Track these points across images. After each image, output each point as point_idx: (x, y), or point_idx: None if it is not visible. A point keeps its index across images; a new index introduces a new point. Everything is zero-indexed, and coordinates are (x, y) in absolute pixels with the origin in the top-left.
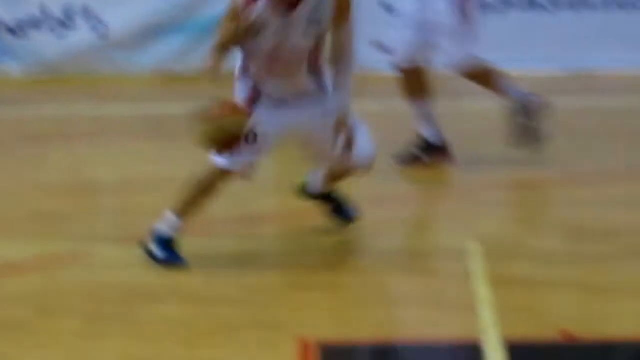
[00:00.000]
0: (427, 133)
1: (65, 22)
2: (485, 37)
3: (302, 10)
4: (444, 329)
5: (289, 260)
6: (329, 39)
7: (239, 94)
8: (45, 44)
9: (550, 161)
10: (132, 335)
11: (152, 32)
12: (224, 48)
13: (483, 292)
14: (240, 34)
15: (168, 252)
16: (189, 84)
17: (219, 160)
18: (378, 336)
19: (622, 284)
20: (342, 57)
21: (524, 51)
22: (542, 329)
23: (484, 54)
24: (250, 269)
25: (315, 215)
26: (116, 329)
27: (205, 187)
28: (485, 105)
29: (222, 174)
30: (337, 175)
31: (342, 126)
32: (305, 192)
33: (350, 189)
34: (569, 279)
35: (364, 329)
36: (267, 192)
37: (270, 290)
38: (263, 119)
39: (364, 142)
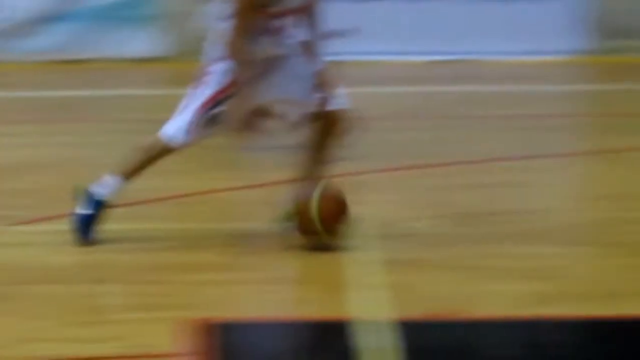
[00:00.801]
0: None
1: None
2: (360, 26)
3: None
4: (321, 307)
5: (183, 243)
6: None
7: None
8: None
9: (432, 147)
10: (17, 314)
11: (41, 19)
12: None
13: (368, 273)
14: None
15: (91, 218)
16: (78, 69)
17: (173, 135)
18: (264, 314)
19: (494, 265)
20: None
21: (401, 41)
22: (423, 308)
23: (355, 43)
24: (144, 250)
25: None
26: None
27: (152, 157)
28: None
29: (171, 148)
30: (323, 135)
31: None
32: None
33: None
34: (447, 260)
35: (248, 308)
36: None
37: (159, 270)
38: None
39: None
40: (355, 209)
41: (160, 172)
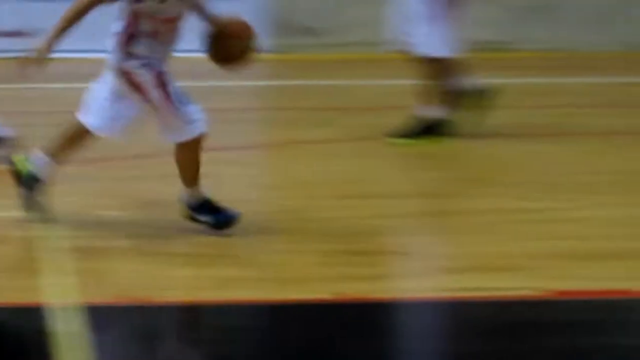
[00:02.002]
0: None
1: None
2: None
3: None
4: (12, 292)
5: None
6: None
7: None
8: None
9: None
10: None
11: None
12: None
13: (58, 259)
14: None
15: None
16: None
17: (91, 122)
18: None
19: (179, 252)
20: None
21: None
22: (111, 293)
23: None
24: None
25: None
26: None
27: (75, 141)
28: None
29: (92, 134)
30: None
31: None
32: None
33: None
34: (133, 247)
35: None
36: None
37: None
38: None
39: None
40: (47, 199)
41: None
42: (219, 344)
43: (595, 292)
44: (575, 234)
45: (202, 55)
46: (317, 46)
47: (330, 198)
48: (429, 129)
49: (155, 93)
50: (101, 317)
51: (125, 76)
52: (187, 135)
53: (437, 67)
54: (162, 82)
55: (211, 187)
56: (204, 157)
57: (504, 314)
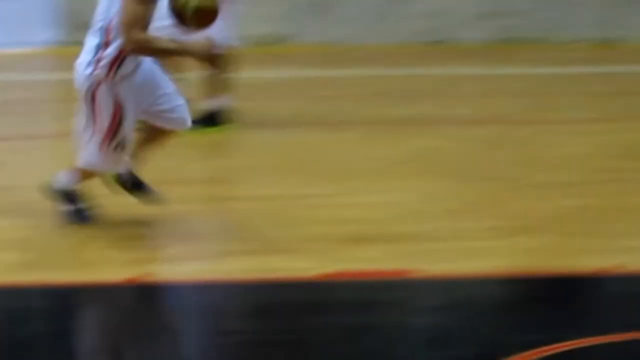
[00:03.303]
0: None
1: None
2: None
3: None
4: None
5: None
6: None
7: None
8: None
9: None
10: None
11: None
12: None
13: None
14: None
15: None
16: None
17: (91, 163)
18: None
19: None
20: None
21: None
22: None
23: None
24: None
25: None
26: None
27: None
28: None
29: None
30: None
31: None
32: (119, 181)
33: None
34: None
35: None
36: None
37: None
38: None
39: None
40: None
41: None
42: (12, 325)
43: (369, 273)
44: (354, 218)
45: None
46: None
47: None
48: (214, 118)
49: (105, 120)
50: None
51: (93, 89)
52: (88, 165)
53: (217, 59)
54: (119, 116)
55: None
56: None
57: (284, 295)
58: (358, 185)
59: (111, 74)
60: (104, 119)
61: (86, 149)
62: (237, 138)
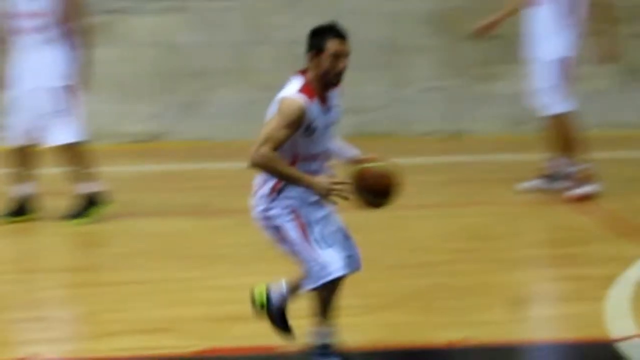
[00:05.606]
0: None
1: None
2: None
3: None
4: None
5: None
6: None
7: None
8: None
9: None
10: None
11: None
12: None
13: None
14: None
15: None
16: None
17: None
18: None
19: None
20: None
21: None
22: None
23: None
24: None
25: None
26: None
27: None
28: None
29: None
30: None
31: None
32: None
33: None
34: None
35: None
36: None
37: None
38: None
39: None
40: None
41: None
42: None
43: (242, 349)
44: (217, 299)
45: None
46: None
47: (5, 273)
48: (88, 205)
49: (293, 234)
50: None
51: (266, 221)
52: (319, 281)
53: (72, 153)
54: (301, 223)
55: None
56: None
57: None
58: (217, 268)
59: (273, 194)
60: (292, 233)
61: (306, 270)
62: (115, 227)
